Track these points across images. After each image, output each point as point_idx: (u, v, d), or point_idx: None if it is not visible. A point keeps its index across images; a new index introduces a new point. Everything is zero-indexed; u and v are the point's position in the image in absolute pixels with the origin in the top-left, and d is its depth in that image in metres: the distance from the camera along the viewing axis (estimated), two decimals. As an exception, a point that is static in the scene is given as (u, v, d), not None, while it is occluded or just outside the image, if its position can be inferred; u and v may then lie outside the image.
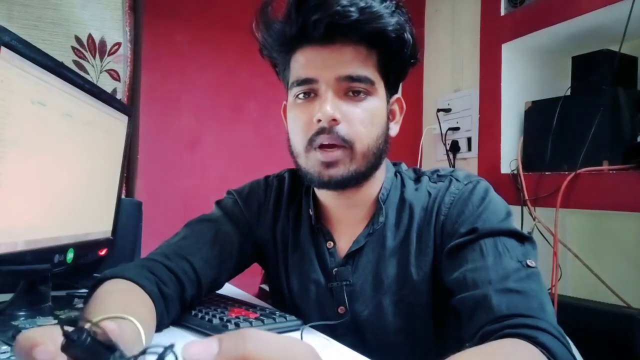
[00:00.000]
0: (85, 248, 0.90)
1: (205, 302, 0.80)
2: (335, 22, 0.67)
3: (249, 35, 0.78)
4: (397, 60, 0.75)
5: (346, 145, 0.70)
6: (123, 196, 1.11)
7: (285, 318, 0.74)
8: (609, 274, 1.34)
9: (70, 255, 0.83)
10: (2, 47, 0.61)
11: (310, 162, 0.73)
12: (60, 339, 0.33)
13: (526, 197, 1.44)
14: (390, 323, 0.75)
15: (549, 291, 1.20)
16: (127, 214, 1.08)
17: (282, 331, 0.72)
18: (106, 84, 1.59)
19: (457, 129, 1.84)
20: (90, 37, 1.57)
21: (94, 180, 0.91)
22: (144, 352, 0.35)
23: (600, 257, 1.46)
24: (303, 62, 0.72)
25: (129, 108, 1.06)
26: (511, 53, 1.61)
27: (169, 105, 1.68)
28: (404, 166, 0.85)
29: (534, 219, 1.41)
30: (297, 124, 0.74)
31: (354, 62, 0.70)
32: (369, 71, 0.71)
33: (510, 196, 1.47)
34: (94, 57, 1.59)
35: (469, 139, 1.79)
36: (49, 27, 1.51)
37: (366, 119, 0.71)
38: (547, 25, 1.44)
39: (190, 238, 0.80)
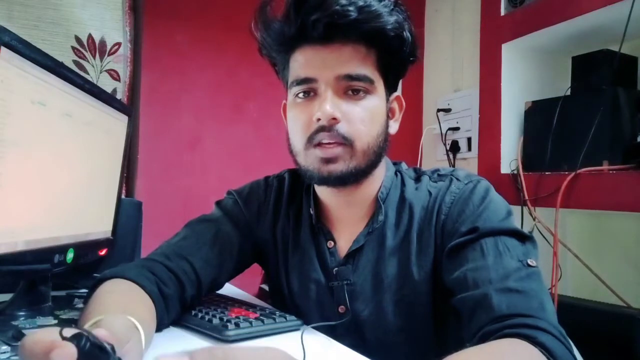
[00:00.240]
0: (85, 248, 0.90)
1: (205, 302, 0.80)
2: (334, 22, 0.67)
3: (249, 35, 0.78)
4: (397, 59, 0.75)
5: (346, 142, 0.71)
6: (123, 196, 1.11)
7: (285, 318, 0.74)
8: (609, 274, 1.34)
9: (70, 255, 0.83)
10: (2, 47, 0.61)
11: (310, 159, 0.73)
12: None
13: (526, 197, 1.44)
14: (391, 323, 0.75)
15: (549, 291, 1.20)
16: (127, 214, 1.08)
17: (282, 331, 0.72)
18: (106, 84, 1.59)
19: (457, 129, 1.84)
20: (90, 37, 1.57)
21: (94, 180, 0.91)
22: None
23: (600, 257, 1.46)
24: (302, 62, 0.73)
25: (129, 108, 1.06)
26: (511, 53, 1.61)
27: (169, 105, 1.68)
28: (404, 165, 0.85)
29: (534, 219, 1.41)
30: (297, 123, 0.74)
31: (353, 61, 0.70)
32: (368, 70, 0.71)
33: (510, 196, 1.47)
34: (94, 57, 1.59)
35: (469, 139, 1.79)
36: (49, 27, 1.51)
37: (366, 117, 0.72)
38: (547, 25, 1.44)
39: (190, 238, 0.80)
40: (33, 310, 0.80)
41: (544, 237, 1.37)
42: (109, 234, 1.00)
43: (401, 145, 1.74)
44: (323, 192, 0.81)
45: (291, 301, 0.84)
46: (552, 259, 1.33)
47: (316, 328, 0.75)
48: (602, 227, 1.60)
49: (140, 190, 1.63)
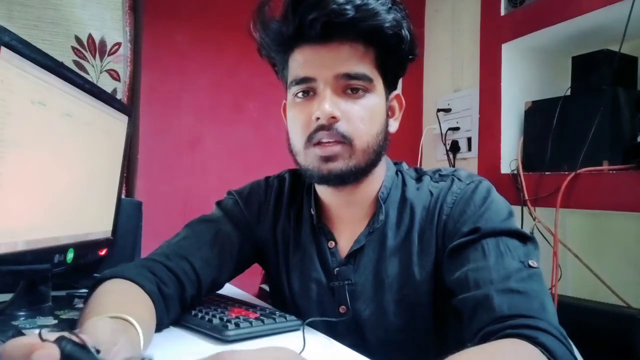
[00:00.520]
0: (85, 248, 0.90)
1: (205, 302, 0.80)
2: (332, 21, 0.67)
3: (248, 35, 0.78)
4: (395, 57, 0.75)
5: (345, 141, 0.71)
6: (123, 196, 1.11)
7: (285, 318, 0.74)
8: (609, 274, 1.34)
9: (70, 255, 0.83)
10: (2, 47, 0.61)
11: (309, 158, 0.73)
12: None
13: (526, 197, 1.44)
14: (391, 323, 0.75)
15: (550, 291, 1.20)
16: (127, 214, 1.08)
17: (282, 331, 0.72)
18: (106, 84, 1.59)
19: (457, 129, 1.84)
20: (90, 37, 1.57)
21: (94, 180, 0.91)
22: None
23: (600, 257, 1.46)
24: (301, 61, 0.73)
25: (129, 108, 1.06)
26: (511, 53, 1.61)
27: (169, 105, 1.68)
28: (405, 165, 0.85)
29: (534, 219, 1.41)
30: (297, 122, 0.74)
31: (352, 60, 0.70)
32: (366, 68, 0.71)
33: (510, 196, 1.47)
34: (94, 57, 1.59)
35: (469, 139, 1.79)
36: (49, 27, 1.51)
37: (365, 116, 0.72)
38: (547, 25, 1.44)
39: (190, 238, 0.80)
40: (33, 310, 0.80)
41: (544, 237, 1.37)
42: (109, 234, 1.00)
43: (401, 145, 1.74)
44: (324, 192, 0.81)
45: (292, 301, 0.84)
46: (552, 259, 1.33)
47: (316, 327, 0.75)
48: (602, 227, 1.60)
49: (140, 190, 1.63)
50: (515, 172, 1.51)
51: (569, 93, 1.44)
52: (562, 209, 1.32)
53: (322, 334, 0.74)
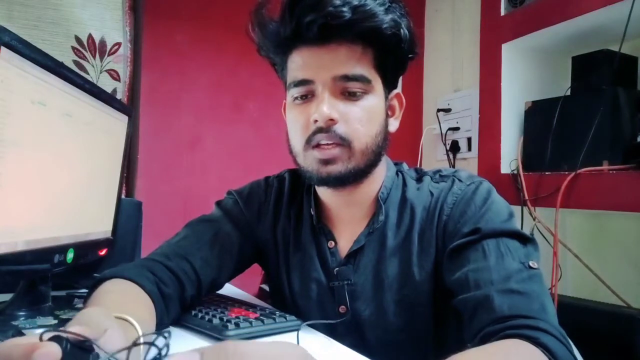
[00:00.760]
0: (85, 248, 0.90)
1: (205, 302, 0.80)
2: (329, 23, 0.67)
3: (247, 36, 0.78)
4: (394, 57, 0.74)
5: (344, 143, 0.71)
6: (123, 196, 1.11)
7: (285, 318, 0.74)
8: (609, 274, 1.34)
9: (70, 255, 0.83)
10: (2, 47, 0.61)
11: (308, 161, 0.73)
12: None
13: (526, 197, 1.44)
14: (391, 322, 0.75)
15: (550, 291, 1.20)
16: (127, 214, 1.08)
17: (282, 331, 0.72)
18: (106, 84, 1.59)
19: (457, 129, 1.84)
20: (90, 37, 1.57)
21: (94, 180, 0.91)
22: (135, 345, 0.34)
23: (600, 257, 1.46)
24: (299, 63, 0.72)
25: (129, 108, 1.06)
26: (511, 53, 1.61)
27: (169, 105, 1.68)
28: (405, 166, 0.85)
29: (534, 219, 1.41)
30: (296, 124, 0.74)
31: (350, 62, 0.70)
32: (365, 69, 0.71)
33: (510, 196, 1.47)
34: (94, 57, 1.59)
35: (469, 139, 1.79)
36: (49, 27, 1.51)
37: (364, 117, 0.71)
38: (547, 25, 1.44)
39: (190, 238, 0.80)
40: (33, 310, 0.80)
41: (544, 237, 1.37)
42: (109, 234, 1.00)
43: (401, 145, 1.74)
44: (323, 192, 0.81)
45: (292, 301, 0.84)
46: (552, 259, 1.33)
47: (316, 328, 0.75)
48: (602, 227, 1.60)
49: (140, 190, 1.63)
50: (515, 172, 1.51)
51: (569, 93, 1.44)
52: (562, 209, 1.32)
53: (321, 334, 0.74)
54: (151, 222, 1.24)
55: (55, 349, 0.34)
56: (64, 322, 0.76)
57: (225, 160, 1.74)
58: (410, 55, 0.76)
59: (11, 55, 0.63)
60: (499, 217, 0.70)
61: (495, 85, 1.62)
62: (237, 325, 0.67)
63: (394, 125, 0.79)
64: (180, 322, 0.74)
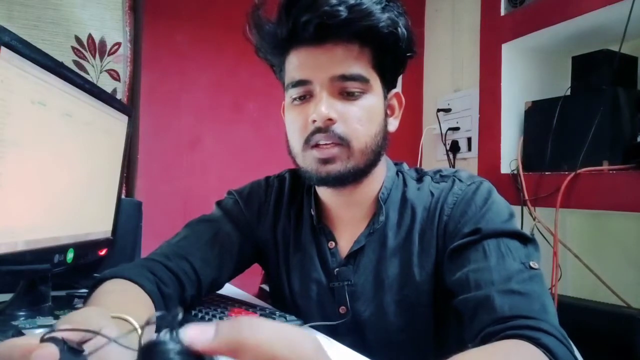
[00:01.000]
0: (85, 248, 0.90)
1: (205, 302, 0.80)
2: (325, 22, 0.67)
3: (245, 38, 0.78)
4: (392, 55, 0.74)
5: (343, 143, 0.70)
6: (123, 196, 1.11)
7: (285, 318, 0.74)
8: (609, 274, 1.34)
9: (70, 255, 0.83)
10: (2, 47, 0.61)
11: (308, 161, 0.73)
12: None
13: (526, 197, 1.44)
14: (392, 323, 0.75)
15: (550, 291, 1.20)
16: (127, 214, 1.08)
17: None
18: (106, 84, 1.59)
19: (457, 129, 1.84)
20: (90, 37, 1.57)
21: (94, 180, 0.91)
22: (147, 324, 0.34)
23: (600, 257, 1.46)
24: (297, 64, 0.72)
25: (129, 108, 1.06)
26: (511, 53, 1.61)
27: (169, 105, 1.68)
28: (405, 166, 0.85)
29: (534, 219, 1.41)
30: (294, 125, 0.74)
31: (347, 61, 0.70)
32: (362, 69, 0.71)
33: (510, 196, 1.47)
34: (94, 57, 1.59)
35: (469, 139, 1.79)
36: (49, 27, 1.51)
37: (363, 117, 0.71)
38: (547, 25, 1.44)
39: (190, 238, 0.80)
40: (33, 310, 0.80)
41: (544, 237, 1.37)
42: (109, 234, 1.00)
43: (401, 145, 1.74)
44: (324, 193, 0.81)
45: (292, 301, 0.84)
46: (552, 259, 1.33)
47: (316, 328, 0.75)
48: (602, 227, 1.60)
49: (140, 190, 1.63)
50: (515, 172, 1.51)
51: (569, 93, 1.44)
52: (562, 209, 1.32)
53: (322, 334, 0.74)
54: (151, 222, 1.24)
55: (54, 350, 0.34)
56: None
57: (225, 160, 1.74)
58: (408, 54, 0.76)
59: (11, 55, 0.63)
60: (499, 217, 0.70)
61: (495, 85, 1.62)
62: (237, 325, 0.67)
63: (393, 124, 0.79)
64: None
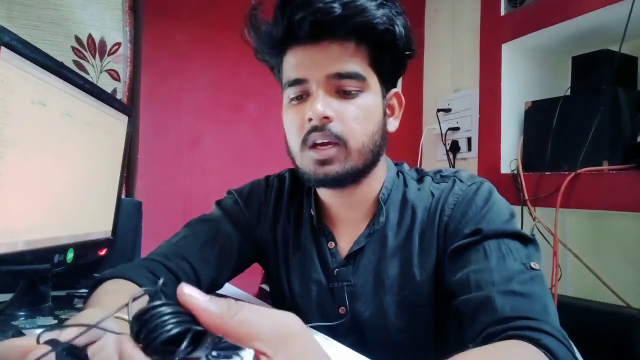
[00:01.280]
0: (85, 248, 0.90)
1: (206, 302, 0.80)
2: (319, 20, 0.67)
3: (243, 40, 0.78)
4: (390, 54, 0.73)
5: (340, 142, 0.70)
6: (123, 196, 1.11)
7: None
8: (609, 274, 1.34)
9: (70, 255, 0.83)
10: (2, 47, 0.61)
11: (306, 161, 0.73)
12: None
13: (526, 197, 1.44)
14: (392, 323, 0.75)
15: (549, 291, 1.20)
16: (127, 214, 1.08)
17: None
18: (106, 84, 1.59)
19: (457, 129, 1.84)
20: (90, 37, 1.57)
21: (94, 180, 0.91)
22: (135, 299, 0.35)
23: (600, 257, 1.46)
24: (293, 63, 0.72)
25: (129, 108, 1.06)
26: (511, 53, 1.61)
27: (169, 105, 1.68)
28: (406, 166, 0.85)
29: (534, 219, 1.41)
30: (292, 125, 0.74)
31: (343, 59, 0.69)
32: (358, 66, 0.70)
33: (510, 196, 1.47)
34: (94, 57, 1.59)
35: (469, 139, 1.79)
36: (49, 27, 1.51)
37: (360, 115, 0.71)
38: (547, 25, 1.44)
39: (190, 238, 0.80)
40: (33, 310, 0.80)
41: (544, 237, 1.37)
42: (109, 234, 1.00)
43: (401, 145, 1.74)
44: (324, 193, 0.81)
45: (292, 301, 0.84)
46: (552, 259, 1.33)
47: (316, 328, 0.75)
48: (602, 227, 1.60)
49: (140, 190, 1.63)
50: (515, 172, 1.51)
51: (569, 93, 1.44)
52: (562, 209, 1.32)
53: (322, 334, 0.74)
54: (151, 222, 1.24)
55: (49, 352, 0.34)
56: (63, 322, 0.76)
57: (225, 160, 1.74)
58: (407, 53, 0.75)
59: (11, 55, 0.63)
60: (500, 217, 0.69)
61: (495, 85, 1.62)
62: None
63: (393, 125, 0.79)
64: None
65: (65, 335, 0.36)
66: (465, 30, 1.84)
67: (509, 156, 1.59)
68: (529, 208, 1.43)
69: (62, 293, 0.95)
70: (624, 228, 1.52)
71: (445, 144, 1.86)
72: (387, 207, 0.78)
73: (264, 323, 0.33)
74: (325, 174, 0.71)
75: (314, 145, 0.71)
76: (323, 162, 0.71)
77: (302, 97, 0.72)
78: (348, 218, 0.80)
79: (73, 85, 0.78)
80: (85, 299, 0.67)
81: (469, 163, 1.80)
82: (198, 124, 1.72)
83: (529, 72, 1.64)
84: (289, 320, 0.35)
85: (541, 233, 1.37)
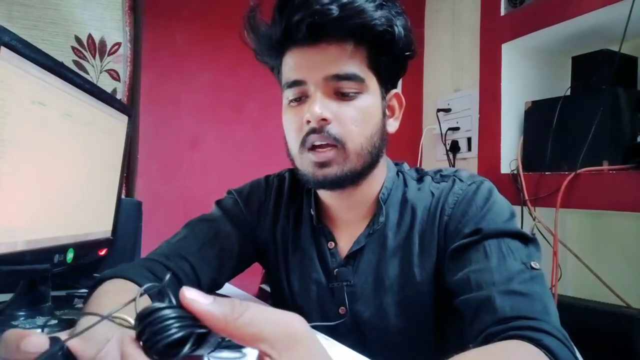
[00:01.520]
0: (85, 248, 0.90)
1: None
2: (317, 21, 0.67)
3: (242, 42, 0.78)
4: (389, 54, 0.73)
5: (338, 144, 0.70)
6: (123, 196, 1.11)
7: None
8: (609, 274, 1.34)
9: (70, 255, 0.83)
10: (2, 47, 0.61)
11: (305, 164, 0.73)
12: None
13: (526, 197, 1.44)
14: (392, 323, 0.75)
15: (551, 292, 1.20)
16: (127, 214, 1.08)
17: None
18: (106, 84, 1.59)
19: (457, 129, 1.84)
20: (90, 37, 1.57)
21: (94, 180, 0.91)
22: (141, 294, 0.36)
23: (600, 257, 1.46)
24: (292, 65, 0.72)
25: (129, 108, 1.06)
26: (511, 53, 1.61)
27: (169, 105, 1.68)
28: (406, 166, 0.85)
29: (534, 219, 1.41)
30: (290, 127, 0.74)
31: (341, 60, 0.69)
32: (357, 67, 0.70)
33: (510, 196, 1.46)
34: (94, 57, 1.59)
35: (469, 139, 1.79)
36: (49, 27, 1.51)
37: (358, 117, 0.70)
38: (547, 25, 1.44)
39: (190, 238, 0.80)
40: (33, 310, 0.80)
41: (544, 237, 1.37)
42: (108, 234, 1.00)
43: (401, 145, 1.75)
44: (323, 194, 0.81)
45: (292, 301, 0.84)
46: (552, 259, 1.33)
47: (316, 328, 0.75)
48: (602, 227, 1.60)
49: (140, 190, 1.63)
50: (515, 172, 1.51)
51: (569, 93, 1.43)
52: (562, 209, 1.32)
53: (322, 334, 0.74)
54: (151, 222, 1.24)
55: (42, 341, 0.35)
56: (64, 322, 0.76)
57: (225, 160, 1.74)
58: (407, 54, 0.75)
59: (11, 55, 0.63)
60: (500, 217, 0.69)
61: (495, 85, 1.62)
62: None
63: (393, 126, 0.78)
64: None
65: (70, 341, 0.37)
66: (465, 30, 1.84)
67: (509, 156, 1.59)
68: (529, 208, 1.43)
69: (62, 293, 0.95)
70: (624, 228, 1.52)
71: (445, 144, 1.86)
72: (387, 207, 0.78)
73: (268, 324, 0.33)
74: (324, 177, 0.71)
75: (313, 148, 0.70)
76: (321, 165, 0.71)
77: (301, 99, 0.72)
78: (348, 218, 0.80)
79: (73, 85, 0.78)
80: (85, 298, 0.67)
81: (469, 163, 1.80)
82: (198, 123, 1.72)
83: (529, 72, 1.64)
84: (294, 321, 0.35)
85: (541, 233, 1.37)
